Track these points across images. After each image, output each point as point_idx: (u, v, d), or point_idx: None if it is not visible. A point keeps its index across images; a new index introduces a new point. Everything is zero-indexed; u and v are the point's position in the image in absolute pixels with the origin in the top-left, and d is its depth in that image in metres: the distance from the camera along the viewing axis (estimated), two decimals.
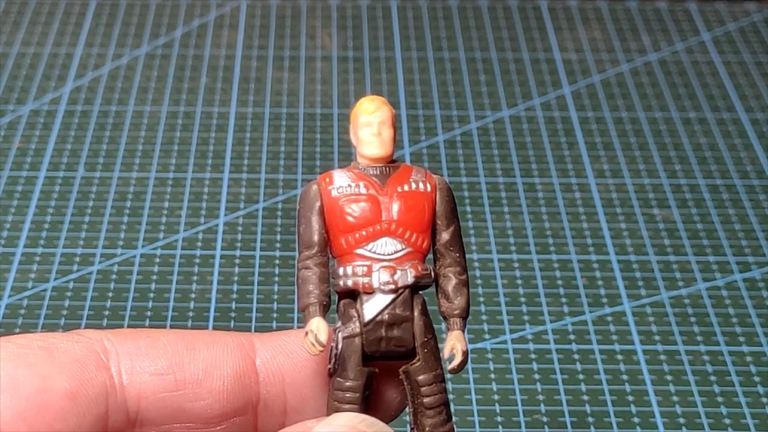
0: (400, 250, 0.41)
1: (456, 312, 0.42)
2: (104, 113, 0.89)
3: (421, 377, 0.41)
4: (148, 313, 0.71)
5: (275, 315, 0.72)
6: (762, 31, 1.02)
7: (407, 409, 0.42)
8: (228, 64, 0.95)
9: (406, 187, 0.41)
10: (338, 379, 0.41)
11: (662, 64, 0.97)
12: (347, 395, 0.41)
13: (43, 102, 0.90)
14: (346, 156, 0.85)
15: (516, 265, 0.76)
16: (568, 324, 0.72)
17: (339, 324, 0.41)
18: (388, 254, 0.41)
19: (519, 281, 0.75)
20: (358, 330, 0.41)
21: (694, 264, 0.76)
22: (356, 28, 1.01)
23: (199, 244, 0.77)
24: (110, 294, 0.73)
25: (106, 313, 0.71)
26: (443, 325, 0.43)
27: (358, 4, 1.04)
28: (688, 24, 1.02)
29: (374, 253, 0.41)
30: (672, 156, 0.86)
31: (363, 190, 0.41)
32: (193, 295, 0.73)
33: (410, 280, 0.41)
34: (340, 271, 0.41)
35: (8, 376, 0.40)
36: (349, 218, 0.41)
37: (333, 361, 0.41)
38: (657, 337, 0.71)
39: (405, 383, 0.42)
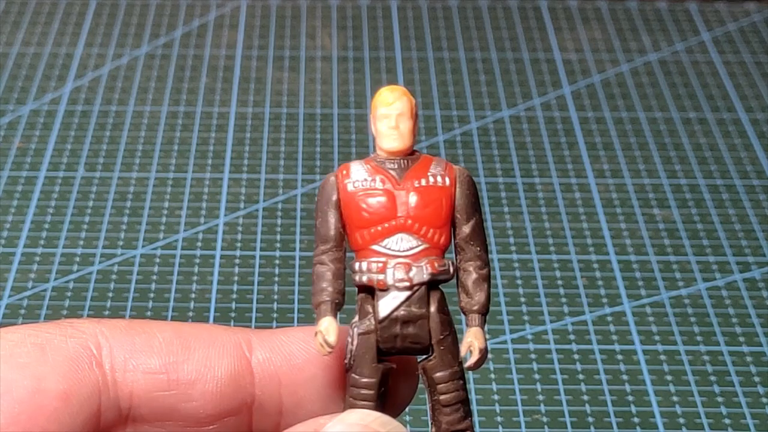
0: (416, 247, 0.40)
1: (475, 307, 0.41)
2: (104, 113, 0.89)
3: (437, 374, 0.41)
4: (148, 313, 0.71)
5: (275, 315, 0.72)
6: (762, 31, 1.02)
7: (428, 406, 0.42)
8: (228, 64, 0.95)
9: (423, 182, 0.40)
10: (354, 375, 0.40)
11: (662, 64, 0.97)
12: (362, 392, 0.40)
13: (43, 102, 0.90)
14: (346, 156, 0.85)
15: (516, 265, 0.76)
16: (568, 324, 0.72)
17: (356, 319, 0.41)
18: (404, 251, 0.40)
19: (519, 281, 0.75)
20: (373, 327, 0.40)
21: (694, 264, 0.76)
22: (356, 28, 1.01)
23: (199, 244, 0.77)
24: (110, 294, 0.73)
25: (106, 313, 0.71)
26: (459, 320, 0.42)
27: (358, 4, 1.04)
28: (688, 24, 1.02)
29: (389, 249, 0.40)
30: (672, 156, 0.86)
31: (379, 185, 0.40)
32: (193, 295, 0.73)
33: (426, 276, 0.40)
34: (356, 266, 0.40)
35: (1, 378, 0.39)
36: (365, 213, 0.40)
37: (349, 356, 0.40)
38: (657, 337, 0.71)
39: (423, 379, 0.41)
